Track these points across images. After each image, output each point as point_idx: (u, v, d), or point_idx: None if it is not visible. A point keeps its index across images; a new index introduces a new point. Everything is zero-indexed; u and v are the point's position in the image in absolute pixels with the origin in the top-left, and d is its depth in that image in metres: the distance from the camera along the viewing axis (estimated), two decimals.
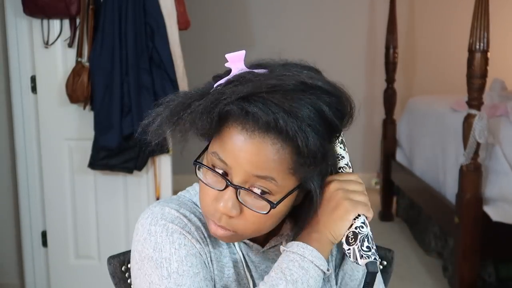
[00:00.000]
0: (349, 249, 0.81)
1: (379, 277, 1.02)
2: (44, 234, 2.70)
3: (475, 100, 2.44)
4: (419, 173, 3.37)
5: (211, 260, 0.88)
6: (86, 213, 2.64)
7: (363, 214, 0.84)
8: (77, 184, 2.62)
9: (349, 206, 0.82)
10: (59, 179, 2.62)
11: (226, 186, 0.80)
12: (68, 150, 2.60)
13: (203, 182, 0.83)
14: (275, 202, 0.80)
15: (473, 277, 2.50)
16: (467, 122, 2.45)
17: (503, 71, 4.00)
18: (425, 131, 3.34)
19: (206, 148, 0.84)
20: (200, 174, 0.84)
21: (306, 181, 0.82)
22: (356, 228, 0.82)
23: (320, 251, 0.81)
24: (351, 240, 0.82)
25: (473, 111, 2.43)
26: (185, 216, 0.87)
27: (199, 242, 0.86)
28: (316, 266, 0.80)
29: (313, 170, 0.80)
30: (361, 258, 0.80)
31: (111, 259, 1.09)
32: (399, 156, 3.81)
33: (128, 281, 1.07)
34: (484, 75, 2.41)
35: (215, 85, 0.82)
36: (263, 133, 0.76)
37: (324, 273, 0.82)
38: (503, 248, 2.58)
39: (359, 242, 0.81)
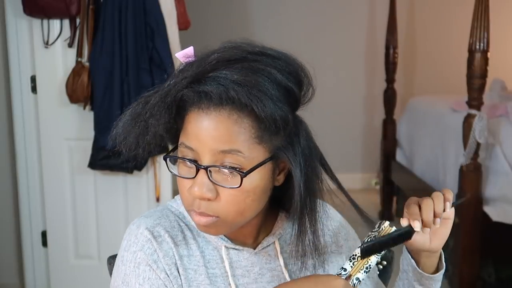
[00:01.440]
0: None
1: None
2: (44, 234, 2.70)
3: (475, 100, 2.44)
4: (419, 173, 3.37)
5: (188, 278, 0.87)
6: (86, 213, 2.64)
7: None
8: (77, 184, 2.62)
9: None
10: (59, 179, 2.62)
11: (197, 170, 0.80)
12: (68, 150, 2.60)
13: (176, 175, 0.83)
14: (244, 172, 0.79)
15: (473, 277, 2.50)
16: (467, 122, 2.45)
17: (503, 71, 4.00)
18: (425, 131, 3.34)
19: (176, 147, 0.85)
20: (173, 169, 0.84)
21: (279, 153, 0.81)
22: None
23: None
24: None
25: (473, 111, 2.43)
26: (159, 236, 0.87)
27: (164, 271, 0.86)
28: None
29: (279, 139, 0.80)
30: None
31: (111, 259, 1.09)
32: (399, 156, 3.81)
33: None
34: (484, 75, 2.41)
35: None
36: (218, 108, 0.77)
37: None
38: (503, 248, 2.58)
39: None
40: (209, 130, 0.78)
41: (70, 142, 2.59)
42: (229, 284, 0.88)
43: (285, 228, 0.95)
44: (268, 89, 0.77)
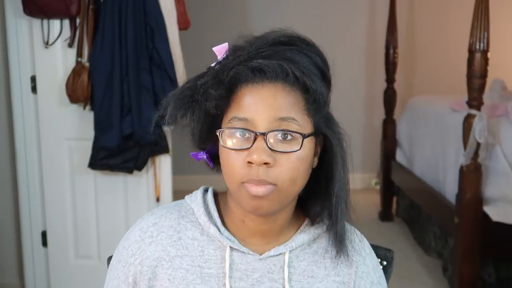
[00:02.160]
0: None
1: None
2: (44, 234, 2.70)
3: (475, 100, 2.44)
4: (419, 173, 3.37)
5: (173, 278, 0.89)
6: (86, 213, 2.64)
7: None
8: (77, 184, 2.62)
9: None
10: (59, 179, 2.62)
11: (255, 138, 0.82)
12: (68, 150, 2.60)
13: (229, 148, 0.83)
14: (304, 134, 0.83)
15: (473, 277, 2.50)
16: (467, 122, 2.45)
17: (503, 71, 4.00)
18: (425, 131, 3.34)
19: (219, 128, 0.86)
20: (224, 141, 0.84)
21: (318, 127, 0.87)
22: None
23: None
24: None
25: (473, 111, 2.43)
26: (150, 237, 0.91)
27: (135, 275, 0.91)
28: None
29: (321, 116, 0.87)
30: None
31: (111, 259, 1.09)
32: (399, 156, 3.81)
33: None
34: (484, 75, 2.41)
35: (212, 65, 0.88)
36: (273, 81, 0.83)
37: None
38: (503, 248, 2.58)
39: None
40: (267, 99, 0.83)
41: (70, 142, 2.59)
42: (224, 285, 0.88)
43: (300, 243, 0.93)
44: (313, 69, 0.85)
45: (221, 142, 0.84)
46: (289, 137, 0.83)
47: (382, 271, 1.01)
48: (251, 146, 0.82)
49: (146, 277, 0.90)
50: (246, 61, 0.83)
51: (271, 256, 0.91)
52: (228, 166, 0.84)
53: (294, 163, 0.83)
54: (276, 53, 0.83)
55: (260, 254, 0.90)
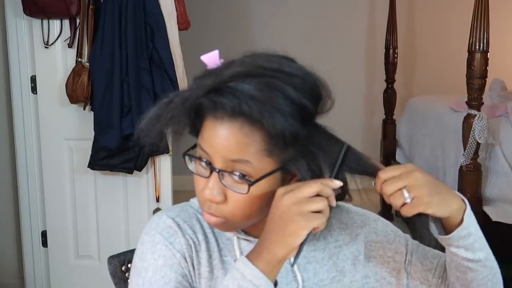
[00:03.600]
0: None
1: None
2: (44, 234, 2.70)
3: (475, 100, 2.44)
4: None
5: (201, 263, 0.93)
6: (86, 213, 2.64)
7: None
8: (77, 184, 2.62)
9: (303, 221, 0.78)
10: (59, 179, 2.62)
11: (211, 172, 0.85)
12: (68, 150, 2.60)
13: (193, 172, 0.89)
14: (251, 180, 0.83)
15: None
16: (467, 122, 2.45)
17: (503, 71, 4.00)
18: (425, 131, 3.34)
19: (195, 146, 0.90)
20: (191, 166, 0.89)
21: (288, 164, 0.84)
22: None
23: (265, 270, 0.79)
24: None
25: (473, 111, 2.43)
26: (178, 225, 0.94)
27: (180, 252, 0.92)
28: (255, 286, 0.79)
29: (289, 152, 0.82)
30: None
31: (111, 259, 1.10)
32: (399, 156, 3.80)
33: (128, 281, 1.07)
34: (484, 75, 2.41)
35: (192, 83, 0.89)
36: (231, 119, 0.81)
37: None
38: (503, 248, 2.57)
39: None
40: (221, 139, 0.83)
41: (70, 142, 2.59)
42: None
43: None
44: (281, 105, 0.79)
45: (188, 165, 0.89)
46: (240, 178, 0.83)
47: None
48: (208, 176, 0.86)
49: (192, 253, 0.93)
50: (210, 92, 0.81)
51: None
52: (195, 188, 0.90)
53: (245, 202, 0.85)
54: (241, 88, 0.79)
55: None
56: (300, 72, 0.84)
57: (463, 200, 0.87)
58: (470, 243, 0.87)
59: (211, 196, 0.85)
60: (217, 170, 0.84)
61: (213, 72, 0.85)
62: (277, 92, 0.80)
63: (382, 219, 1.06)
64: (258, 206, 0.86)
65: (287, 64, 0.84)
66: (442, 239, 0.88)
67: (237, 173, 0.83)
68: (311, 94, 0.83)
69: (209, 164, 0.85)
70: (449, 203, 0.84)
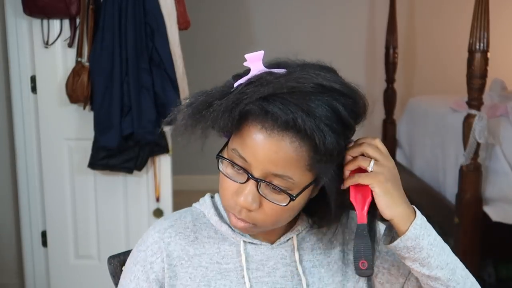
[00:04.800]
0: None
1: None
2: (44, 234, 2.70)
3: (475, 100, 2.44)
4: (419, 173, 3.36)
5: (193, 278, 0.93)
6: (86, 213, 2.64)
7: None
8: (77, 184, 2.62)
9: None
10: (59, 179, 2.62)
11: (247, 180, 0.83)
12: (68, 150, 2.60)
13: (224, 175, 0.86)
14: (294, 195, 0.83)
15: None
16: (467, 122, 2.45)
17: (503, 71, 4.00)
18: (425, 131, 3.34)
19: (227, 144, 0.88)
20: (222, 167, 0.87)
21: (321, 176, 0.85)
22: None
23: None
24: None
25: (473, 111, 2.43)
26: (169, 237, 0.94)
27: (158, 272, 0.92)
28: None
29: (329, 167, 0.84)
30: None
31: (111, 259, 1.10)
32: (399, 156, 3.80)
33: None
34: (484, 75, 2.41)
35: (235, 85, 0.85)
36: (282, 132, 0.80)
37: None
38: (503, 248, 2.58)
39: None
40: (269, 152, 0.81)
41: (70, 142, 2.59)
42: (243, 277, 0.93)
43: (304, 225, 0.98)
44: (332, 124, 0.80)
45: (219, 167, 0.87)
46: (280, 191, 0.83)
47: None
48: (243, 183, 0.84)
49: (167, 275, 0.93)
50: (263, 100, 0.79)
51: (281, 243, 0.96)
52: (222, 188, 0.88)
53: (279, 211, 0.85)
54: (297, 103, 0.78)
55: (271, 243, 0.95)
56: (353, 94, 0.85)
57: (415, 212, 0.87)
58: (423, 258, 0.86)
59: (246, 204, 0.84)
60: (257, 180, 0.82)
61: (267, 80, 0.81)
62: (331, 110, 0.80)
63: None
64: (289, 215, 0.88)
65: (339, 82, 0.84)
66: (389, 247, 0.88)
67: (279, 188, 0.82)
68: (356, 114, 0.86)
69: (247, 171, 0.83)
70: (397, 204, 0.85)
